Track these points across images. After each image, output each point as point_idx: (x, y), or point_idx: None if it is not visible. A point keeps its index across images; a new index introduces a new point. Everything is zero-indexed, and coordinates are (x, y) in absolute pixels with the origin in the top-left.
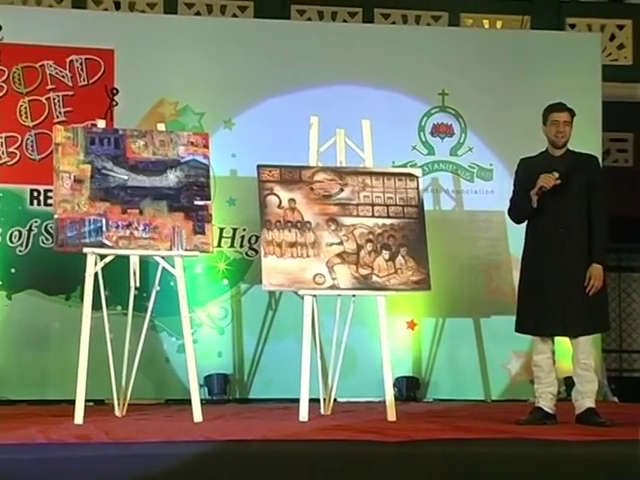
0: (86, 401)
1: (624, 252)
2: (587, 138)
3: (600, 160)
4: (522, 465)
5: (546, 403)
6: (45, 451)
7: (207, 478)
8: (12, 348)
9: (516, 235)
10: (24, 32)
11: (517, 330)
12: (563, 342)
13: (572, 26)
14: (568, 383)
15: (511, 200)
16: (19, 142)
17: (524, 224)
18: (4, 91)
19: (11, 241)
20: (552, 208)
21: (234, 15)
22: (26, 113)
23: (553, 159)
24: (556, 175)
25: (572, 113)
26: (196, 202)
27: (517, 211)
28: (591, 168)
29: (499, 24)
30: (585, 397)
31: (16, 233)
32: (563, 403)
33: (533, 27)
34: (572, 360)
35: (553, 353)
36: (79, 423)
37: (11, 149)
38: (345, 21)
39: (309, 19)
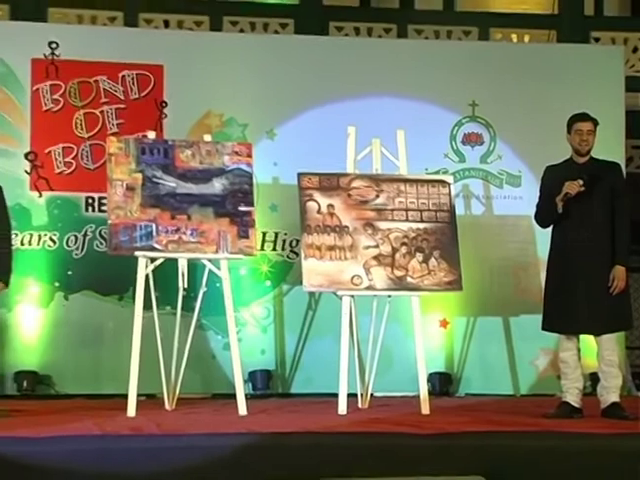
0: (138, 395)
1: None
2: (610, 146)
3: (623, 167)
4: (550, 457)
5: (573, 398)
6: (100, 442)
7: (251, 469)
8: (69, 346)
9: (543, 239)
10: (79, 49)
11: (544, 328)
12: (588, 339)
13: (596, 39)
14: (593, 379)
15: (537, 205)
16: (75, 152)
17: (550, 228)
18: (61, 105)
19: (68, 245)
20: (577, 213)
21: (275, 32)
22: (81, 125)
23: (577, 166)
24: (581, 182)
25: (595, 122)
26: (240, 208)
27: (543, 216)
28: (614, 175)
29: (527, 38)
30: (610, 392)
31: (72, 238)
32: (589, 398)
33: (559, 40)
34: (597, 357)
35: (579, 350)
36: (132, 416)
37: (68, 159)
38: (380, 36)
39: (346, 35)
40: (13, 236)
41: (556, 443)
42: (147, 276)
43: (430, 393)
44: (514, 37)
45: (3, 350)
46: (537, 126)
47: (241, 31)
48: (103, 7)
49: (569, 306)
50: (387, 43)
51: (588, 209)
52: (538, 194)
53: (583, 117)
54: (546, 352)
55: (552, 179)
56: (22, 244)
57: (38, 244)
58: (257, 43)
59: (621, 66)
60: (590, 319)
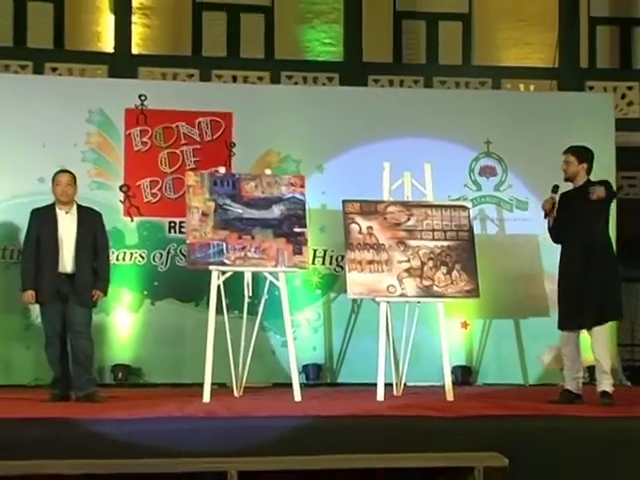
0: (212, 384)
1: (636, 267)
2: (603, 176)
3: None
4: (554, 436)
5: (573, 386)
6: (180, 423)
7: (305, 446)
8: (155, 343)
9: (547, 254)
10: (163, 100)
11: (559, 327)
12: (587, 338)
13: (591, 88)
14: (591, 370)
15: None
16: (160, 185)
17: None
18: (148, 146)
19: (154, 261)
20: (576, 228)
21: (323, 84)
22: (165, 163)
23: (574, 192)
24: (551, 195)
25: (571, 152)
26: (295, 229)
27: (549, 233)
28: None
29: (532, 87)
30: (603, 382)
31: (158, 255)
32: (587, 387)
33: (559, 89)
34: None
35: (578, 346)
36: (206, 401)
37: (154, 190)
38: (410, 87)
39: (382, 86)
40: (110, 253)
41: (560, 424)
42: (219, 286)
43: (453, 383)
44: (521, 86)
45: (102, 347)
46: (542, 160)
47: (295, 84)
48: (183, 65)
49: (567, 307)
50: (416, 92)
51: (584, 223)
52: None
53: (568, 149)
54: (551, 348)
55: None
56: (117, 260)
57: (130, 260)
58: (308, 93)
59: (611, 110)
60: (587, 316)
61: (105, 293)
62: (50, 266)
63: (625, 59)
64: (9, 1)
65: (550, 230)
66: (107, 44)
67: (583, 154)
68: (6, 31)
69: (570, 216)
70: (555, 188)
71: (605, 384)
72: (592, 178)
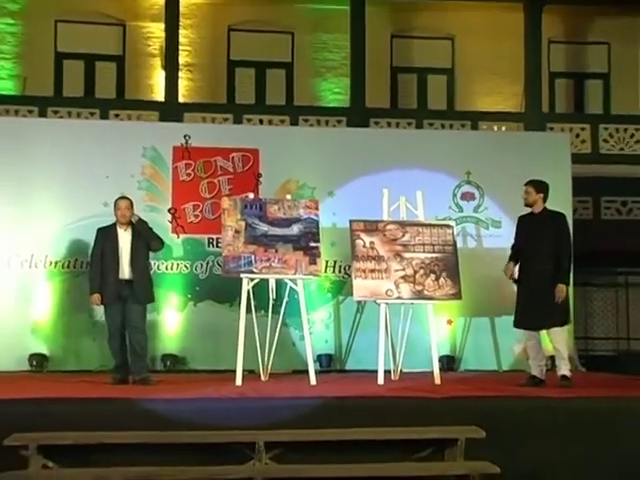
0: (242, 370)
1: (589, 274)
2: (561, 201)
3: (570, 215)
4: (523, 412)
5: (537, 373)
6: (217, 402)
7: (319, 421)
8: (197, 336)
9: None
10: (204, 139)
11: (515, 325)
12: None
13: (551, 128)
14: (553, 359)
15: (511, 250)
16: (201, 208)
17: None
18: (191, 176)
19: (196, 270)
20: (532, 249)
21: (334, 125)
22: (205, 190)
23: (534, 216)
24: (510, 274)
25: (533, 185)
26: (311, 244)
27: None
28: (558, 222)
29: (503, 128)
30: (562, 367)
31: (199, 265)
32: (549, 373)
33: (525, 129)
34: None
35: (539, 340)
36: (239, 385)
37: (196, 212)
38: (404, 128)
39: (381, 127)
40: (161, 264)
41: (527, 403)
42: (248, 290)
43: (440, 369)
44: (495, 127)
45: (154, 340)
46: (512, 187)
47: (310, 125)
48: (219, 111)
49: (528, 312)
50: (409, 132)
51: (541, 245)
52: (514, 234)
53: (528, 182)
54: (520, 342)
55: (520, 224)
56: (166, 269)
57: (176, 269)
58: (321, 133)
59: (568, 147)
60: (541, 319)
61: (153, 299)
62: (112, 273)
63: (578, 105)
64: (80, 61)
65: (512, 255)
66: (159, 94)
67: (540, 186)
68: (78, 85)
69: (528, 238)
70: (514, 281)
71: (564, 369)
72: (553, 202)
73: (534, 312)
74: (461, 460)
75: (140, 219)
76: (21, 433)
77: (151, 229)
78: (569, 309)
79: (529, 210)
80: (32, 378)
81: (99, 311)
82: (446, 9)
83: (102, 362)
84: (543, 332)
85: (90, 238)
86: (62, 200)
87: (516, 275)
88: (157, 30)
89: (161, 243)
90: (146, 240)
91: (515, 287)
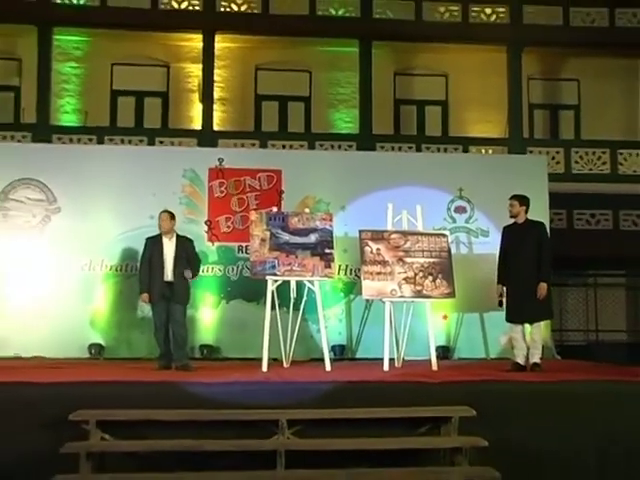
0: (268, 358)
1: (564, 275)
2: (540, 213)
3: (547, 224)
4: (508, 394)
5: (520, 360)
6: (246, 385)
7: (334, 402)
8: (229, 329)
9: None
10: (235, 162)
11: (506, 320)
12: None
13: (530, 152)
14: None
15: (498, 257)
16: (232, 220)
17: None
18: (224, 193)
19: (228, 273)
20: (517, 253)
21: (345, 149)
22: (235, 205)
23: (518, 225)
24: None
25: (515, 199)
26: (326, 251)
27: (497, 269)
28: (539, 229)
29: (490, 151)
30: (534, 356)
31: (230, 268)
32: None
33: (509, 152)
34: (529, 335)
35: (522, 332)
36: (265, 370)
37: (228, 224)
38: (405, 151)
39: (386, 150)
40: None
41: (511, 386)
42: (272, 290)
43: (437, 357)
44: (483, 151)
45: (193, 332)
46: (497, 202)
47: (325, 149)
48: (248, 138)
49: (516, 308)
50: (410, 155)
51: (525, 250)
52: (500, 242)
53: (513, 196)
54: (505, 333)
55: (505, 234)
56: (202, 272)
57: (211, 272)
58: (334, 156)
59: (545, 167)
60: (527, 314)
61: (194, 276)
62: (158, 276)
63: (553, 132)
64: (132, 97)
65: (500, 264)
66: (197, 124)
67: (522, 200)
68: (129, 117)
69: (514, 244)
70: (500, 304)
71: (537, 357)
72: (533, 214)
73: (523, 308)
74: (455, 435)
75: (187, 238)
76: (83, 410)
77: (196, 255)
78: (552, 306)
79: (513, 220)
80: (91, 364)
81: (147, 308)
82: (441, 51)
83: (149, 351)
84: (526, 325)
85: (139, 246)
86: (115, 214)
87: (503, 298)
88: (195, 70)
89: (196, 273)
90: (188, 256)
91: (500, 306)
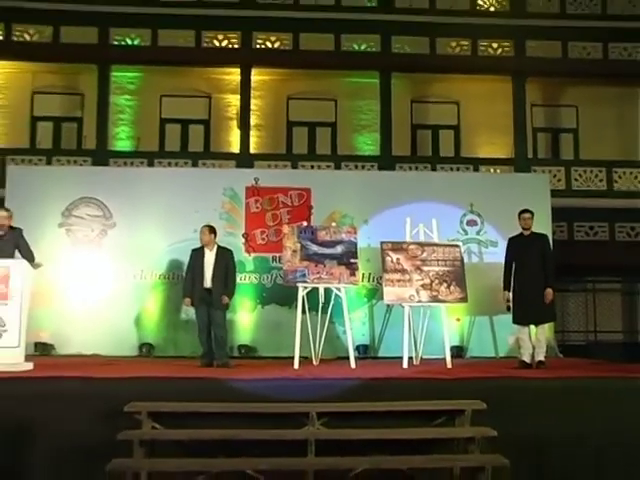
0: (299, 357)
1: (565, 282)
2: (543, 226)
3: (550, 236)
4: (515, 389)
5: (526, 359)
6: (280, 381)
7: (358, 396)
8: (264, 331)
9: None
10: (269, 181)
11: (513, 322)
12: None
13: (534, 170)
14: None
15: (505, 265)
16: (266, 233)
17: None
18: (260, 209)
19: (263, 280)
20: (525, 262)
21: (368, 169)
22: (270, 219)
23: (524, 237)
24: (507, 303)
25: (532, 213)
26: (351, 260)
27: (504, 276)
28: (543, 241)
29: (498, 170)
30: (539, 355)
31: (265, 277)
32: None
33: (515, 171)
34: (535, 336)
35: (528, 333)
36: (296, 368)
37: (263, 236)
38: (422, 170)
39: (404, 170)
40: (237, 275)
41: (518, 382)
42: (303, 296)
43: (452, 356)
44: (491, 170)
45: (232, 333)
46: (505, 216)
47: (350, 169)
48: (281, 159)
49: (523, 311)
50: (426, 174)
51: (531, 259)
52: (505, 254)
53: (525, 211)
54: (513, 334)
55: (511, 244)
56: (240, 280)
57: (248, 280)
58: (358, 175)
59: (547, 184)
60: (533, 317)
61: (230, 297)
62: (199, 283)
63: (555, 152)
64: (178, 125)
65: (506, 272)
66: (235, 147)
67: (533, 214)
68: (176, 142)
69: (520, 254)
70: (508, 309)
71: (541, 356)
72: (537, 226)
73: (529, 311)
74: (468, 426)
75: (227, 249)
76: (136, 402)
77: (234, 265)
78: (555, 309)
79: (518, 232)
80: (142, 362)
81: (191, 311)
82: (452, 81)
83: (193, 350)
84: (532, 327)
85: (184, 257)
86: (163, 228)
87: (510, 303)
88: (234, 100)
89: (232, 285)
90: (227, 265)
91: (508, 310)
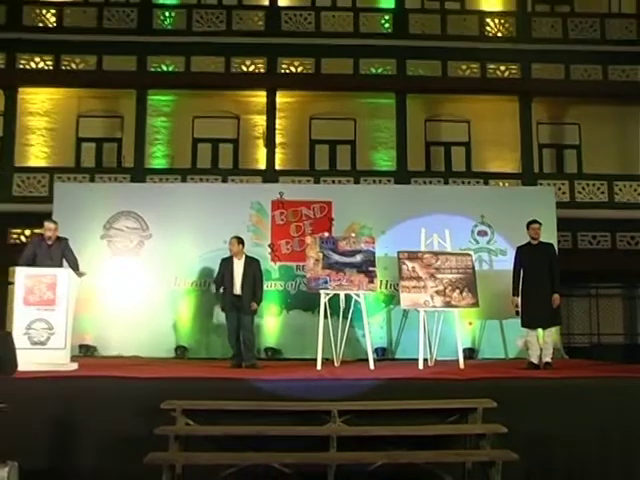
0: (322, 358)
1: (570, 287)
2: (549, 235)
3: (555, 244)
4: (524, 388)
5: (534, 360)
6: (304, 381)
7: (377, 395)
8: (289, 334)
9: None
10: (293, 195)
11: (522, 325)
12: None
13: (541, 184)
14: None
15: (513, 272)
16: (291, 243)
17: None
18: (284, 221)
19: (287, 288)
20: (533, 269)
21: (385, 183)
22: (294, 230)
23: (532, 246)
24: (516, 308)
25: (540, 224)
26: (369, 269)
27: (513, 283)
28: (550, 249)
29: (507, 184)
30: (546, 356)
31: (290, 284)
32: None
33: (522, 185)
34: (542, 338)
35: (536, 336)
36: (319, 369)
37: (287, 246)
38: (435, 184)
39: (419, 184)
40: (264, 283)
41: (528, 382)
42: (325, 302)
43: (464, 358)
44: (500, 184)
45: (259, 337)
46: (513, 226)
47: (368, 184)
48: (303, 175)
49: (531, 315)
50: (439, 188)
51: (539, 267)
52: (513, 262)
53: (535, 221)
54: (522, 337)
55: (519, 253)
56: (267, 287)
57: (274, 287)
58: (376, 189)
59: (553, 197)
60: (541, 320)
61: (258, 304)
62: (229, 290)
63: (560, 167)
64: (209, 144)
65: (515, 278)
66: (262, 164)
67: (541, 224)
68: (207, 159)
69: (529, 261)
70: (516, 313)
71: (548, 357)
72: (543, 237)
73: (537, 315)
74: (479, 423)
75: (254, 258)
76: (171, 400)
77: (260, 274)
78: (561, 313)
79: (526, 241)
80: (177, 363)
81: (221, 316)
82: (463, 101)
83: (224, 352)
84: (539, 330)
85: (214, 265)
86: (195, 239)
87: (519, 308)
88: (260, 120)
89: (260, 292)
90: (254, 274)
91: (517, 315)
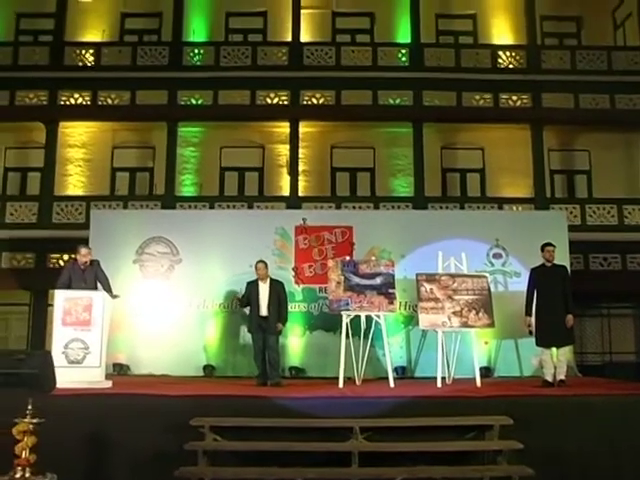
0: (343, 377)
1: (582, 308)
2: (562, 257)
3: (568, 266)
4: (539, 406)
5: (549, 378)
6: (326, 399)
7: (397, 413)
8: (312, 354)
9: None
10: (316, 220)
11: (537, 344)
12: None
13: (552, 208)
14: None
15: (527, 293)
16: (313, 267)
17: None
18: (307, 245)
19: (310, 309)
20: (547, 290)
21: (403, 209)
22: (316, 254)
23: (546, 268)
24: (529, 328)
25: (554, 246)
26: (389, 290)
27: (526, 303)
28: (564, 271)
29: (520, 208)
30: (560, 374)
31: (313, 305)
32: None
33: (535, 209)
34: (556, 357)
35: (551, 354)
36: (341, 387)
37: (310, 270)
38: (452, 209)
39: (436, 209)
40: (288, 304)
41: (543, 399)
42: (347, 323)
43: (481, 376)
44: (514, 208)
45: (284, 356)
46: (527, 249)
47: (387, 209)
48: (326, 201)
49: (546, 334)
50: (455, 213)
51: (552, 288)
52: (527, 283)
53: (549, 244)
54: (537, 356)
55: (533, 275)
56: (291, 309)
57: (298, 309)
58: (395, 214)
59: (565, 220)
60: (555, 340)
61: (284, 324)
62: (255, 311)
63: (571, 192)
64: (235, 172)
65: (529, 299)
66: (285, 191)
67: (555, 247)
68: (233, 187)
69: (543, 283)
70: (530, 332)
71: (562, 375)
72: (556, 259)
73: (552, 335)
74: (496, 439)
75: (279, 281)
76: (200, 417)
77: (285, 296)
78: (574, 333)
79: (540, 263)
80: (205, 381)
81: (248, 336)
82: (477, 129)
83: (250, 371)
84: (553, 349)
85: (240, 287)
86: (223, 263)
87: (532, 328)
88: (284, 149)
89: (284, 313)
90: (279, 296)
91: (531, 334)
